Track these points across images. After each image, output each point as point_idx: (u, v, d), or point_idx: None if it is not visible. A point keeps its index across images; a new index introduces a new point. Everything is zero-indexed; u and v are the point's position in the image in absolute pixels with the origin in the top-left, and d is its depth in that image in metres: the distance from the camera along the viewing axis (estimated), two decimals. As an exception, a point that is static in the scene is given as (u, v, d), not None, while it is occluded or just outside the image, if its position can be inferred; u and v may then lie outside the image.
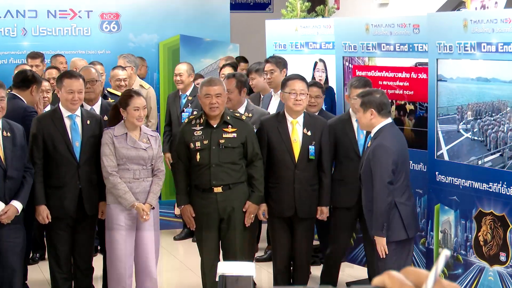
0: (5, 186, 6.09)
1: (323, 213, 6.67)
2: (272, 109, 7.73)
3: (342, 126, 6.78)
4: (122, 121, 6.40)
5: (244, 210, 6.41)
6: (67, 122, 6.48)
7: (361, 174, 5.99)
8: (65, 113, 6.49)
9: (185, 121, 6.58)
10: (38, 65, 9.49)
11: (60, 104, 6.55)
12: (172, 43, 10.64)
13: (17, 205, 6.12)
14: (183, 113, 8.91)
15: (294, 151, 6.58)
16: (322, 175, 6.64)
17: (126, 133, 6.35)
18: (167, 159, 9.08)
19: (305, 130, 6.59)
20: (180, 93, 9.04)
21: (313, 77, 8.32)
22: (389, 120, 5.96)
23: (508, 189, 5.93)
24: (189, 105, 8.92)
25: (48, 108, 7.78)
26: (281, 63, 7.96)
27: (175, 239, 9.22)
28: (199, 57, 10.35)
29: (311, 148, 6.59)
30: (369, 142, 5.97)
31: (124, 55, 9.65)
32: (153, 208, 6.43)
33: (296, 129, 6.61)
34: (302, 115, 6.63)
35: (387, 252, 5.92)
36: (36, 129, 6.46)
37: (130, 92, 6.47)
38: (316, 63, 8.44)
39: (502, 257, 6.03)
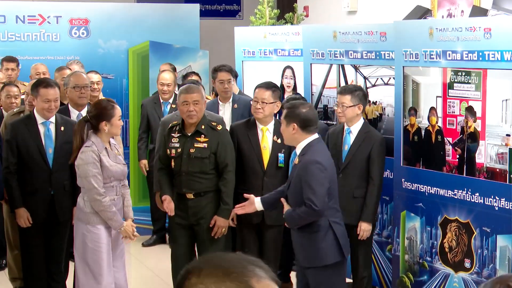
0: None
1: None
2: (226, 117, 7.78)
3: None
4: (93, 134, 6.04)
5: (211, 224, 6.38)
6: (41, 129, 6.49)
7: (289, 195, 5.65)
8: (39, 119, 6.50)
9: (169, 126, 6.57)
10: (13, 69, 9.47)
11: (34, 110, 6.54)
12: (142, 49, 10.60)
13: None
14: None
15: (263, 158, 6.62)
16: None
17: (106, 148, 6.04)
18: (142, 166, 9.06)
19: (275, 138, 6.60)
20: (161, 100, 8.98)
21: (281, 84, 8.35)
22: (315, 135, 5.58)
23: (473, 196, 5.97)
24: (173, 113, 8.85)
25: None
26: (233, 71, 8.10)
27: (143, 245, 9.18)
28: (168, 63, 10.31)
29: (281, 155, 6.60)
30: (296, 159, 5.60)
31: (76, 60, 9.67)
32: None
33: (266, 136, 6.64)
34: (273, 122, 6.66)
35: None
36: (11, 135, 6.46)
37: (110, 103, 6.10)
38: (284, 70, 8.47)
39: (467, 264, 6.07)
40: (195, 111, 6.32)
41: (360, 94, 6.50)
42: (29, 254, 6.52)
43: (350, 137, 6.50)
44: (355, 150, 6.46)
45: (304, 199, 5.39)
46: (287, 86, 8.34)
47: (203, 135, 6.34)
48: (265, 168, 6.60)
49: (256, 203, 5.91)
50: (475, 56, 5.91)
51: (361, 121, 6.55)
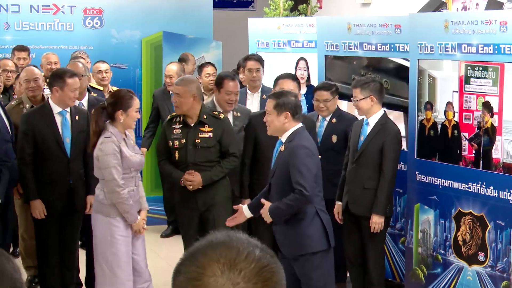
0: None
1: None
2: (253, 107, 7.77)
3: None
4: (110, 125, 5.96)
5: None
6: (58, 118, 6.47)
7: (273, 184, 5.66)
8: (55, 109, 6.47)
9: (167, 118, 6.61)
10: (25, 58, 9.48)
11: (50, 100, 6.51)
12: (155, 39, 10.61)
13: None
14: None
15: None
16: None
17: (124, 139, 5.98)
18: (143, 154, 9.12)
19: None
20: (171, 92, 9.00)
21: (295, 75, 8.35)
22: (300, 124, 5.65)
23: (487, 189, 5.97)
24: None
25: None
26: (263, 62, 8.03)
27: (161, 236, 9.20)
28: (181, 53, 10.32)
29: None
30: (282, 146, 5.61)
31: (81, 51, 9.69)
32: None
33: None
34: None
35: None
36: (26, 125, 6.43)
37: (129, 93, 6.03)
38: (298, 62, 8.47)
39: (481, 257, 6.08)
40: (176, 102, 6.47)
41: (371, 86, 6.46)
42: (45, 243, 6.55)
43: (367, 129, 6.50)
44: (368, 142, 6.44)
45: (294, 184, 5.41)
46: (301, 78, 8.34)
47: (206, 125, 6.39)
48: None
49: (244, 211, 5.90)
50: (490, 50, 5.90)
51: (379, 113, 6.50)
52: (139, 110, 9.55)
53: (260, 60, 8.10)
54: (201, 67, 9.35)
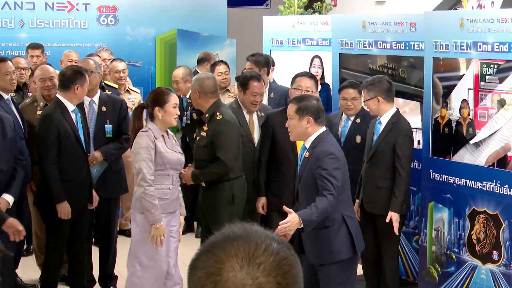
0: None
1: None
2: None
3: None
4: (150, 121, 5.95)
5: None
6: (73, 116, 6.46)
7: (300, 190, 5.55)
8: (70, 107, 6.44)
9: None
10: (38, 56, 9.48)
11: (60, 97, 6.44)
12: (169, 37, 10.65)
13: (8, 198, 5.99)
14: (184, 116, 8.89)
15: (297, 146, 6.46)
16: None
17: (163, 135, 5.93)
18: None
19: None
20: (181, 95, 9.02)
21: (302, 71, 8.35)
22: (324, 128, 5.51)
23: (502, 188, 5.96)
24: (189, 108, 8.85)
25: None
26: (260, 62, 7.96)
27: None
28: (196, 51, 10.34)
29: None
30: (306, 152, 5.46)
31: (105, 48, 9.69)
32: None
33: None
34: None
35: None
36: (53, 126, 6.34)
37: (166, 89, 6.03)
38: (312, 60, 8.47)
39: (495, 256, 6.06)
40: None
41: (377, 86, 6.40)
42: (58, 242, 6.52)
43: (380, 128, 6.48)
44: (381, 141, 6.41)
45: (321, 190, 5.25)
46: (315, 75, 8.34)
47: (206, 124, 6.41)
48: (298, 157, 6.46)
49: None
50: (506, 48, 5.88)
51: (391, 111, 6.44)
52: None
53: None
54: (213, 66, 9.34)
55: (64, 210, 6.29)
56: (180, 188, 6.12)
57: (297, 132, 5.50)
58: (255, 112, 7.01)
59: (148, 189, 5.76)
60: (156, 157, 5.79)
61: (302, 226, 5.17)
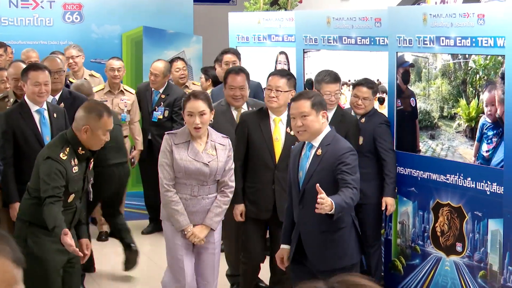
0: None
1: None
2: None
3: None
4: (186, 126, 5.70)
5: None
6: (36, 117, 6.30)
7: (308, 191, 5.13)
8: (32, 107, 6.30)
9: None
10: (1, 55, 9.41)
11: (26, 98, 6.35)
12: (135, 34, 10.62)
13: None
14: (154, 112, 8.88)
15: (275, 150, 6.19)
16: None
17: (189, 141, 5.62)
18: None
19: (288, 129, 6.14)
20: (152, 89, 9.01)
21: (275, 70, 8.38)
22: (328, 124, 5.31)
23: (465, 180, 6.03)
24: (162, 103, 8.88)
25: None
26: (240, 55, 8.04)
27: (142, 233, 9.11)
28: (162, 48, 10.34)
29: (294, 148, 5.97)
30: (319, 150, 5.14)
31: (73, 44, 9.65)
32: (213, 230, 5.73)
33: (279, 127, 6.22)
34: (286, 112, 6.19)
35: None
36: (6, 125, 6.24)
37: (189, 95, 5.67)
38: (278, 56, 8.50)
39: (459, 248, 6.14)
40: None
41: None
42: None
43: None
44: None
45: (343, 184, 4.92)
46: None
47: None
48: (277, 161, 6.18)
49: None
50: (468, 42, 5.96)
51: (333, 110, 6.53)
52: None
53: (236, 53, 8.16)
54: (171, 62, 9.35)
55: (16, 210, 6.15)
56: (213, 199, 5.70)
57: (314, 130, 5.14)
58: (247, 108, 6.71)
59: (168, 195, 5.61)
60: (174, 163, 5.59)
61: (332, 211, 4.74)
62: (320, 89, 6.55)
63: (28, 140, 6.25)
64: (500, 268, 5.74)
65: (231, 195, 5.76)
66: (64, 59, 8.65)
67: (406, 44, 6.51)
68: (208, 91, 8.73)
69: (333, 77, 6.66)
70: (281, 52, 8.46)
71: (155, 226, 9.05)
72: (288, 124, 6.08)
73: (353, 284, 1.54)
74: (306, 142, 5.23)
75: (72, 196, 5.20)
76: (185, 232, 5.62)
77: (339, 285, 1.54)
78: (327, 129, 5.21)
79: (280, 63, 8.48)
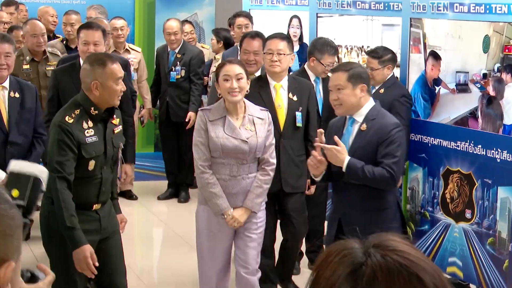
0: (6, 152, 5.49)
1: (310, 187, 6.14)
2: None
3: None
4: (221, 100, 5.26)
5: None
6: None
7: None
8: None
9: None
10: (12, 13, 9.42)
11: (79, 58, 6.16)
12: (148, -5, 10.60)
13: None
14: (171, 72, 8.88)
15: (279, 118, 5.93)
16: (308, 144, 5.93)
17: (225, 117, 5.17)
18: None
19: (290, 95, 5.94)
20: (169, 49, 8.99)
21: (288, 33, 8.35)
22: (371, 98, 5.02)
23: (475, 147, 6.04)
24: (178, 63, 8.87)
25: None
26: (252, 19, 8.01)
27: (159, 198, 9.14)
28: (174, 10, 10.31)
29: (298, 114, 5.94)
30: (363, 125, 4.90)
31: (94, 6, 9.64)
32: (255, 212, 5.28)
33: (280, 94, 5.95)
34: (286, 78, 5.99)
35: None
36: (53, 83, 6.09)
37: (223, 62, 5.34)
38: (291, 19, 8.47)
39: (468, 214, 6.16)
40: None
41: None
42: None
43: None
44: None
45: (385, 165, 4.75)
46: (293, 36, 8.33)
47: None
48: (282, 129, 5.91)
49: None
50: (482, 9, 5.93)
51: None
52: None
53: (249, 17, 8.15)
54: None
55: None
56: (254, 179, 5.25)
57: (350, 104, 4.87)
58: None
59: (203, 177, 5.15)
60: (210, 142, 5.14)
61: (344, 166, 4.70)
62: (321, 59, 6.49)
63: None
64: (509, 236, 5.77)
65: (272, 173, 5.32)
66: (79, 18, 8.67)
67: (420, 9, 6.48)
68: (221, 54, 8.75)
69: (335, 49, 6.65)
70: (294, 16, 8.43)
71: (172, 192, 9.12)
72: (290, 89, 5.94)
73: (391, 250, 1.49)
74: (347, 116, 4.99)
75: (92, 163, 4.67)
76: (225, 216, 5.16)
77: (375, 251, 1.50)
78: (370, 102, 4.93)
79: (293, 27, 8.46)
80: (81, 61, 5.96)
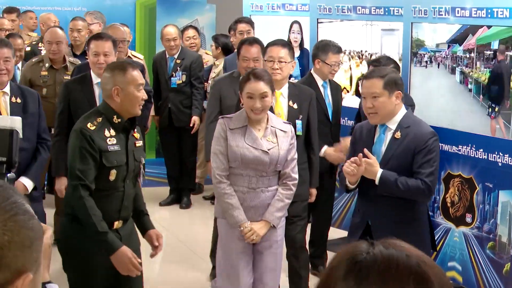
0: None
1: (311, 195, 5.99)
2: None
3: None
4: (243, 109, 5.02)
5: None
6: (97, 90, 5.92)
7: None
8: (95, 79, 5.95)
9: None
10: (14, 20, 9.43)
11: (91, 70, 6.04)
12: (149, 1, 10.61)
13: (26, 182, 5.25)
14: (172, 78, 8.84)
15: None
16: (310, 152, 5.90)
17: (246, 126, 4.95)
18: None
19: (290, 103, 5.82)
20: (167, 56, 8.97)
21: (289, 39, 8.37)
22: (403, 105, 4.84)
23: (477, 152, 6.03)
24: (178, 68, 8.84)
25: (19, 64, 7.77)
26: (254, 25, 8.03)
27: (160, 204, 9.09)
28: (175, 16, 10.32)
29: (298, 122, 5.79)
30: (398, 133, 4.74)
31: (90, 12, 9.65)
32: (273, 226, 5.01)
33: (280, 102, 5.83)
34: (287, 85, 5.88)
35: None
36: (63, 95, 5.94)
37: (249, 75, 4.98)
38: (292, 25, 8.49)
39: (468, 219, 6.15)
40: None
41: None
42: None
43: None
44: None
45: (421, 176, 4.64)
46: (294, 41, 8.36)
47: None
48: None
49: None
50: (483, 13, 5.94)
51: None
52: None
53: (250, 23, 8.15)
54: (182, 31, 9.33)
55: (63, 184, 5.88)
56: (273, 192, 5.01)
57: (386, 112, 4.70)
58: None
59: (220, 187, 4.92)
60: (228, 151, 4.91)
61: (377, 181, 4.61)
62: (325, 60, 6.50)
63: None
64: (509, 240, 5.76)
65: (294, 188, 5.06)
66: (85, 24, 8.68)
67: (421, 14, 6.49)
68: (221, 60, 8.76)
69: (338, 47, 6.64)
70: (295, 22, 8.45)
71: (174, 198, 9.10)
72: (290, 97, 5.83)
73: (398, 246, 1.47)
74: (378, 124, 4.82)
75: (113, 173, 4.49)
76: (242, 228, 4.91)
77: (380, 244, 1.48)
78: (403, 110, 4.78)
79: (293, 32, 8.48)
80: (92, 73, 5.97)
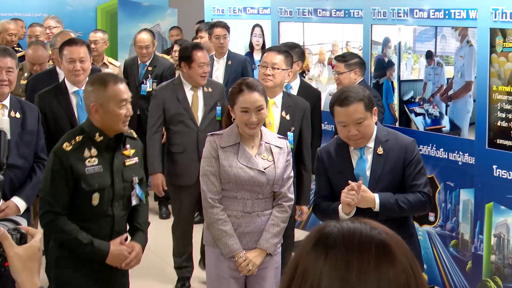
0: (4, 175, 5.10)
1: (303, 213, 5.79)
2: (219, 73, 7.84)
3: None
4: (234, 124, 4.54)
5: None
6: (73, 100, 5.65)
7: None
8: (71, 88, 5.66)
9: None
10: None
11: (65, 78, 5.72)
12: (110, 6, 10.60)
13: (19, 202, 4.97)
14: (142, 85, 8.75)
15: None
16: (302, 167, 5.67)
17: (239, 143, 4.49)
18: None
19: (283, 113, 5.57)
20: (139, 62, 8.81)
21: (251, 42, 8.41)
22: None
23: (437, 151, 6.11)
24: (149, 76, 8.68)
25: None
26: (229, 29, 8.07)
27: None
28: (137, 21, 10.32)
29: (290, 134, 5.51)
30: (379, 148, 4.36)
31: (51, 16, 9.57)
32: (270, 254, 4.54)
33: (272, 111, 5.54)
34: (281, 94, 5.61)
35: None
36: (37, 106, 5.45)
37: (240, 86, 4.47)
38: (253, 28, 8.52)
39: (431, 217, 6.22)
40: None
41: (296, 52, 6.24)
42: None
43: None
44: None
45: (419, 188, 4.36)
46: (256, 44, 8.40)
47: None
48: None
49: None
50: (441, 14, 6.01)
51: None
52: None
53: (226, 27, 8.15)
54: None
55: None
56: (269, 217, 4.55)
57: (371, 133, 4.35)
58: (201, 88, 6.26)
59: (212, 212, 4.45)
60: (220, 171, 4.45)
61: (376, 208, 4.23)
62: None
63: (61, 125, 5.52)
64: (471, 237, 5.84)
65: (290, 210, 4.61)
66: (43, 30, 8.62)
67: (380, 16, 6.56)
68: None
69: (337, 56, 6.55)
70: (257, 25, 8.49)
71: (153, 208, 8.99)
72: (284, 107, 5.56)
73: (366, 223, 1.58)
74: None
75: (96, 197, 4.15)
76: (236, 259, 4.46)
77: (350, 221, 1.59)
78: (376, 124, 4.43)
79: (255, 35, 8.51)
80: (66, 81, 5.67)
